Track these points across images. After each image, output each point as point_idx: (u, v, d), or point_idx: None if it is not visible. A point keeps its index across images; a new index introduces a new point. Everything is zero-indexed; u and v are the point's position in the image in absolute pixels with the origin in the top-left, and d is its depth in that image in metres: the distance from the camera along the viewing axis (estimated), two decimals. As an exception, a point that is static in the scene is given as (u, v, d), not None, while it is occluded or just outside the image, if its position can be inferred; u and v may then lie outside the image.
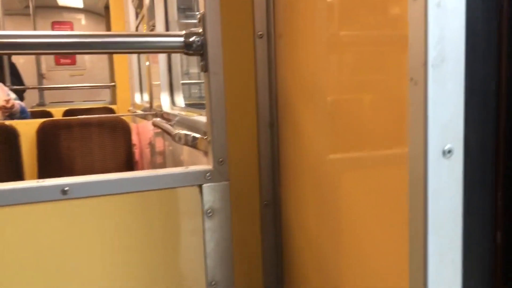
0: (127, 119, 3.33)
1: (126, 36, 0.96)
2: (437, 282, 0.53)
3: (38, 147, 2.88)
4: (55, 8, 7.47)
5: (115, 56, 5.16)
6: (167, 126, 2.27)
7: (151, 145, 3.24)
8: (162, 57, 2.79)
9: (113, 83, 5.66)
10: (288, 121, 0.95)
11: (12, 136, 2.86)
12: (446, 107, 0.50)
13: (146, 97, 3.74)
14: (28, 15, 6.72)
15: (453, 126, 0.51)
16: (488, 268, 0.58)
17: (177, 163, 2.19)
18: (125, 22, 4.35)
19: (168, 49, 1.06)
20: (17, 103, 3.40)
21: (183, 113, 2.25)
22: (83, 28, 7.70)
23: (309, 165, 0.89)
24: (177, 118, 2.20)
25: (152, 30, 3.00)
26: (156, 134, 2.92)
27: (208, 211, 0.96)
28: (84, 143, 2.91)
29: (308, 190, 0.91)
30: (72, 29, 7.59)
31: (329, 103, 0.81)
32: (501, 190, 0.57)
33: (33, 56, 6.73)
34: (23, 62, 6.57)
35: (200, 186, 0.95)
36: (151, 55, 3.26)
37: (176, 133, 1.58)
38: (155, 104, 3.06)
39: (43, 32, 0.88)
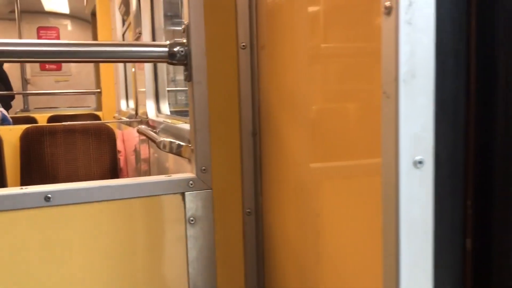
0: (112, 126, 3.32)
1: (111, 46, 0.97)
2: (409, 289, 0.55)
3: (22, 153, 2.86)
4: (41, 13, 7.43)
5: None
6: (151, 133, 2.27)
7: (136, 152, 3.24)
8: (148, 64, 2.80)
9: (98, 90, 5.64)
10: (270, 130, 0.97)
11: (-6, 142, 2.84)
12: (417, 120, 0.53)
13: (132, 104, 3.73)
14: (14, 20, 6.67)
15: (423, 138, 0.53)
16: (458, 274, 0.60)
17: (162, 170, 2.19)
18: (112, 29, 4.35)
19: (153, 59, 1.08)
20: (-1, 111, 3.38)
21: (168, 120, 2.26)
22: (69, 34, 7.66)
23: (290, 174, 0.91)
24: (162, 126, 2.20)
25: (138, 37, 3.00)
26: (142, 141, 2.93)
27: (191, 218, 0.97)
28: (68, 150, 2.89)
29: (289, 198, 0.93)
30: (58, 35, 7.55)
31: (309, 114, 0.83)
32: (470, 199, 0.59)
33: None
34: (7, 67, 6.51)
35: (183, 194, 0.97)
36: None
37: (160, 141, 1.59)
38: (140, 111, 3.06)
39: (27, 41, 0.89)
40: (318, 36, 0.80)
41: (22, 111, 6.43)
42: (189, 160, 1.06)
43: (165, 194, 0.97)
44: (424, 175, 0.54)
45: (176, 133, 1.76)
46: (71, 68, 7.64)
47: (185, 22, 0.95)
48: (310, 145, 0.83)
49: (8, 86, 5.87)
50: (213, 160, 0.98)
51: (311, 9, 0.80)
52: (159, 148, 1.57)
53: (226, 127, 1.01)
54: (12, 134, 2.93)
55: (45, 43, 0.88)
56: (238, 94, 1.01)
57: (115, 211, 0.94)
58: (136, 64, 3.32)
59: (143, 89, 2.85)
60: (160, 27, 2.74)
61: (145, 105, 2.80)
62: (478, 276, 0.60)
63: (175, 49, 0.95)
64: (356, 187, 0.69)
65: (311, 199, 0.84)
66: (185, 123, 1.79)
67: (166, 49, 0.95)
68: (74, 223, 0.91)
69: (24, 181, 2.86)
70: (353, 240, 0.70)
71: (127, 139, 3.70)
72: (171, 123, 2.08)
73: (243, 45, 1.00)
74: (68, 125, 2.95)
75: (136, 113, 3.19)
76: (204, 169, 0.97)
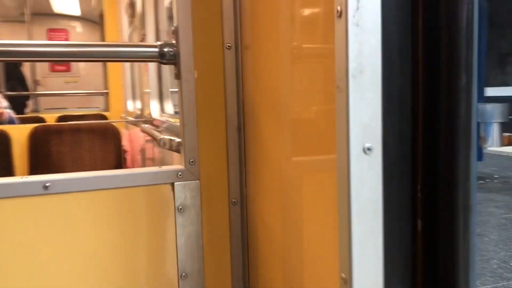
0: (119, 126, 3.41)
1: (105, 46, 1.05)
2: (361, 268, 0.61)
3: (30, 151, 2.95)
4: (51, 15, 7.56)
5: (108, 63, 5.25)
6: (154, 132, 2.35)
7: (142, 151, 3.32)
8: (152, 66, 2.88)
9: (106, 90, 5.74)
10: (253, 125, 1.04)
11: (3, 140, 2.93)
12: (366, 112, 0.59)
13: (138, 104, 3.82)
14: (24, 22, 6.80)
15: (372, 127, 0.60)
16: (409, 253, 0.66)
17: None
18: (119, 30, 4.45)
19: (144, 59, 1.15)
20: (7, 112, 3.47)
21: (171, 119, 2.33)
22: (78, 35, 7.79)
23: (271, 166, 0.98)
24: (165, 125, 2.28)
25: (143, 39, 3.09)
26: (147, 141, 3.00)
27: (180, 207, 1.04)
28: (75, 148, 2.98)
29: (270, 189, 0.99)
30: (67, 37, 7.68)
31: (288, 110, 0.90)
32: (420, 184, 0.65)
33: (28, 63, 6.81)
34: (18, 69, 6.64)
35: (172, 184, 1.04)
36: (142, 64, 3.35)
37: (160, 138, 1.66)
38: (145, 111, 3.15)
39: (20, 42, 0.96)
40: (294, 37, 0.86)
41: (32, 111, 6.56)
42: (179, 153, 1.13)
43: (156, 184, 1.04)
44: (373, 160, 0.60)
45: (177, 131, 1.83)
46: (80, 69, 7.76)
47: (174, 24, 1.02)
48: (289, 139, 0.89)
49: (25, 87, 6.02)
50: (201, 153, 1.05)
51: (288, 12, 0.87)
52: (159, 145, 1.64)
53: (212, 122, 1.08)
54: (21, 133, 3.03)
55: (38, 44, 0.96)
56: (224, 91, 1.07)
57: (109, 199, 1.02)
58: (142, 65, 3.41)
59: (148, 90, 2.93)
60: (164, 28, 2.82)
61: (149, 105, 2.88)
62: (427, 256, 0.66)
63: (165, 50, 1.02)
64: (323, 178, 0.75)
65: (290, 189, 0.91)
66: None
67: (156, 49, 1.02)
68: (70, 210, 0.98)
69: (32, 179, 2.94)
70: (322, 229, 0.77)
71: (134, 139, 3.79)
72: (174, 122, 2.15)
73: (229, 45, 1.07)
74: (74, 124, 3.04)
75: (142, 113, 3.27)
76: (192, 161, 1.04)
